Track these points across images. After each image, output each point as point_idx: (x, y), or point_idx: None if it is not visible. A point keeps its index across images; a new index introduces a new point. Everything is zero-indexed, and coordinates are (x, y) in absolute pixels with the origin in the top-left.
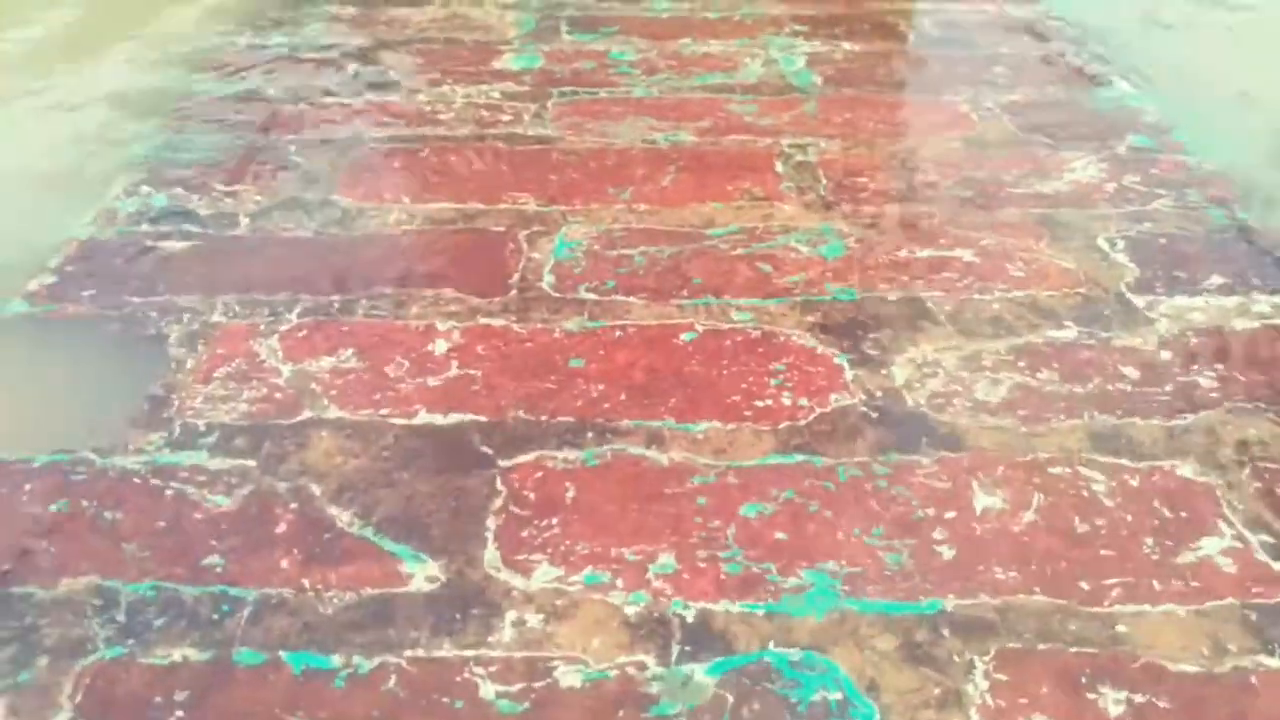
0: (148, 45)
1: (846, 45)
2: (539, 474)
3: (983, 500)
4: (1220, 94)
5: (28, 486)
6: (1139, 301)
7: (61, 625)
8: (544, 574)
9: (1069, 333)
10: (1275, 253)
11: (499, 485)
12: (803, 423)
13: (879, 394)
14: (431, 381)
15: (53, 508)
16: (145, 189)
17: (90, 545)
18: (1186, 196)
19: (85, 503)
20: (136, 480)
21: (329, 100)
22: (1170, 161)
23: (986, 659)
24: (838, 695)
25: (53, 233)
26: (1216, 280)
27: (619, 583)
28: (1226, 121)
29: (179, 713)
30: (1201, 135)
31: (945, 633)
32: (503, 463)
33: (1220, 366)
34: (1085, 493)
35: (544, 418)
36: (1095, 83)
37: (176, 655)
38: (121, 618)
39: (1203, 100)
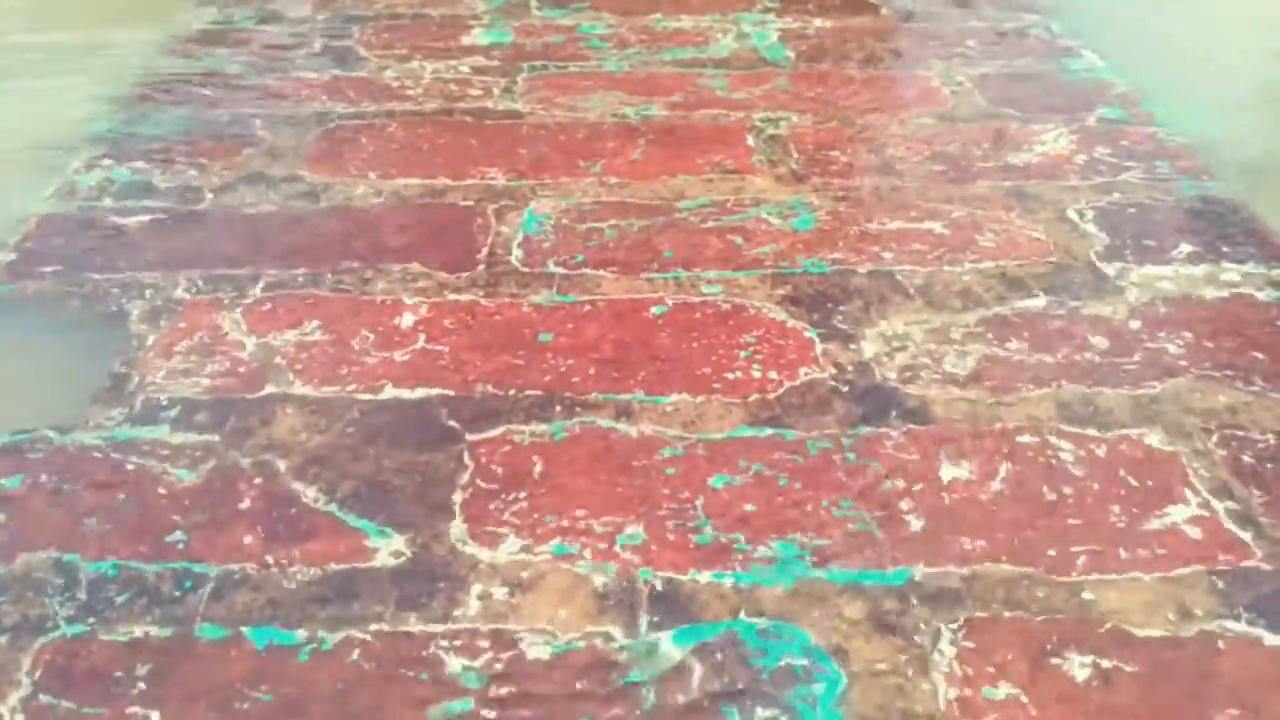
0: (110, 17)
1: (818, 21)
2: (506, 448)
3: (950, 471)
4: (1190, 64)
5: None
6: (1109, 270)
7: (21, 602)
8: (511, 546)
9: (1038, 302)
10: (1244, 223)
11: (466, 459)
12: (772, 395)
13: (849, 367)
14: (398, 356)
15: (9, 483)
16: (106, 162)
17: (49, 521)
18: (1156, 167)
19: (44, 478)
20: (97, 455)
21: (295, 75)
22: (1140, 133)
23: (954, 627)
24: (805, 662)
25: (11, 208)
26: (1186, 249)
27: (586, 554)
28: (1196, 92)
29: (140, 686)
30: (1171, 106)
31: (913, 601)
32: (470, 437)
33: (1189, 335)
34: (1053, 462)
35: (512, 392)
36: (1065, 55)
37: (138, 631)
38: (82, 594)
39: (1173, 70)
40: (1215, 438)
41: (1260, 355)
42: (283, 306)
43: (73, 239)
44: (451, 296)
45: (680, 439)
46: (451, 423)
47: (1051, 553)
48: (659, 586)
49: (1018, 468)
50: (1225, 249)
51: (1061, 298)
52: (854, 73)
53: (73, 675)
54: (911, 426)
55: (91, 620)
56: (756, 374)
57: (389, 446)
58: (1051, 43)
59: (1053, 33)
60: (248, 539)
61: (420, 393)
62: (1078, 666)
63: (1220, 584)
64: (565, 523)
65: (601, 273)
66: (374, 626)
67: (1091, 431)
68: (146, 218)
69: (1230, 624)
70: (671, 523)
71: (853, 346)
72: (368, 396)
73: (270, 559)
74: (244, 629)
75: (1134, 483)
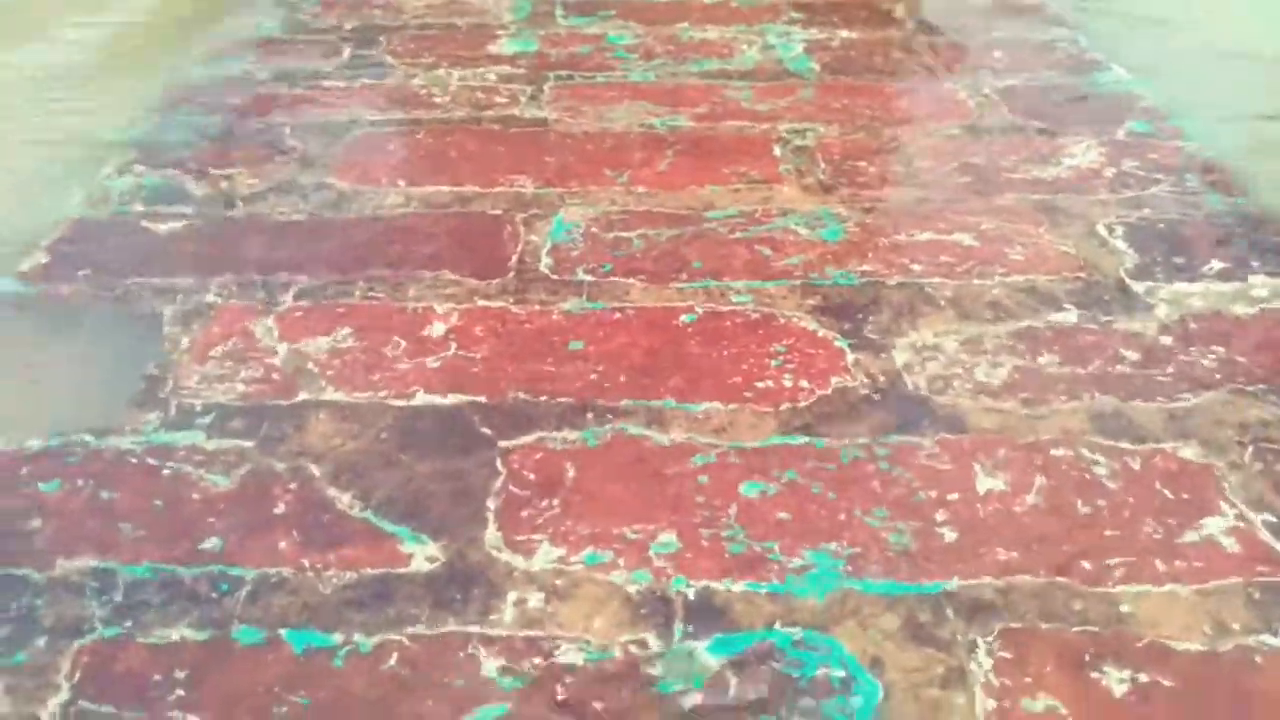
0: (142, 24)
1: (844, 33)
2: (539, 455)
3: (985, 482)
4: (1218, 77)
5: (23, 470)
6: (1138, 287)
7: (58, 606)
8: (545, 554)
9: (1069, 316)
10: (1275, 237)
11: (499, 466)
12: (804, 404)
13: (880, 377)
14: (430, 363)
15: (48, 487)
16: (139, 168)
17: (86, 526)
18: (1185, 181)
19: (81, 483)
20: (133, 461)
21: (324, 84)
22: (1169, 147)
23: (990, 638)
24: (841, 673)
25: (45, 212)
26: (1216, 265)
27: (620, 562)
28: (1225, 105)
29: (179, 691)
30: (1200, 120)
31: (949, 613)
32: (503, 444)
33: (1221, 350)
34: (1087, 475)
35: (544, 398)
36: (1094, 68)
37: (175, 635)
38: (119, 598)
39: (1201, 84)
40: (1250, 451)
41: None
42: (314, 313)
43: (105, 243)
44: (482, 303)
45: (712, 446)
46: (484, 429)
47: (1087, 565)
48: (692, 596)
49: (1052, 480)
50: (1255, 263)
51: (1092, 312)
52: (880, 84)
53: (110, 679)
54: (945, 435)
55: (129, 624)
56: (788, 383)
57: (422, 453)
58: (1080, 56)
59: (1080, 46)
60: (283, 544)
61: (452, 399)
62: (1115, 681)
63: (1256, 596)
64: (599, 530)
65: (631, 281)
66: (410, 630)
67: (1125, 444)
68: (179, 223)
69: (1267, 638)
70: (705, 531)
71: (884, 355)
72: (400, 403)
73: (306, 563)
74: (281, 632)
75: (1169, 495)
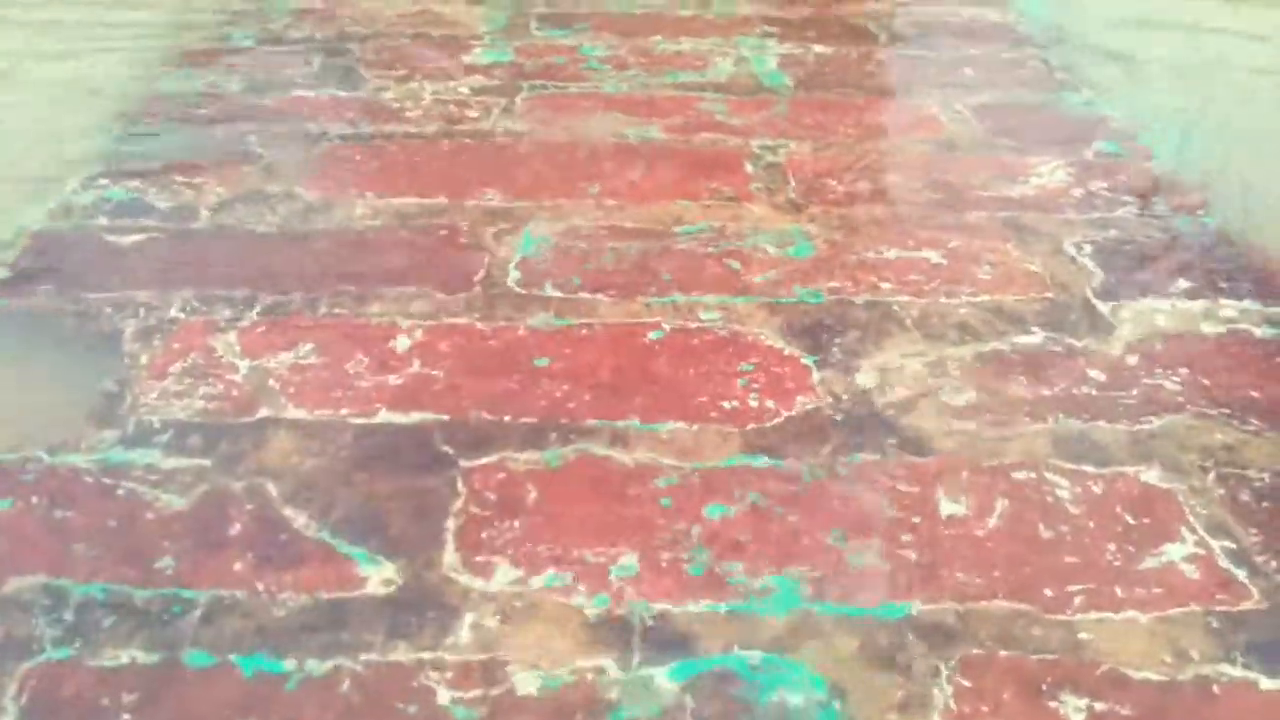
0: (106, 35)
1: (818, 48)
2: (501, 475)
3: (947, 505)
4: (1187, 99)
5: None
6: (1104, 307)
7: (7, 625)
8: (504, 575)
9: (1035, 338)
10: (1241, 259)
11: (460, 486)
12: (769, 424)
13: (845, 397)
14: (393, 380)
15: (0, 505)
16: (103, 181)
17: (39, 545)
18: (1153, 203)
19: (35, 500)
20: (88, 479)
21: (294, 95)
22: (1136, 168)
23: (950, 664)
24: (800, 698)
25: (5, 226)
26: (1183, 284)
27: (580, 585)
28: (1194, 127)
29: (126, 716)
30: (1168, 141)
31: (909, 637)
32: (464, 463)
33: (1185, 371)
34: (1049, 498)
35: (507, 417)
36: (1063, 87)
37: (124, 657)
38: (69, 618)
39: (1170, 106)
40: (1213, 475)
41: (1257, 394)
42: (277, 328)
43: (67, 257)
44: (447, 320)
45: (675, 468)
46: (445, 448)
47: (1048, 591)
48: (651, 620)
49: (1014, 504)
50: (1222, 285)
51: (1058, 333)
52: (852, 100)
53: (57, 701)
54: (909, 458)
55: (79, 644)
56: (754, 403)
57: (382, 472)
58: (1049, 75)
59: (1050, 66)
60: (237, 565)
61: (414, 417)
62: (1073, 709)
63: (1215, 624)
64: (559, 551)
65: (599, 296)
66: (364, 656)
67: (1088, 468)
68: (142, 236)
69: (1226, 668)
70: (665, 553)
71: (849, 376)
72: (361, 421)
73: (260, 585)
74: (232, 656)
75: (1130, 520)
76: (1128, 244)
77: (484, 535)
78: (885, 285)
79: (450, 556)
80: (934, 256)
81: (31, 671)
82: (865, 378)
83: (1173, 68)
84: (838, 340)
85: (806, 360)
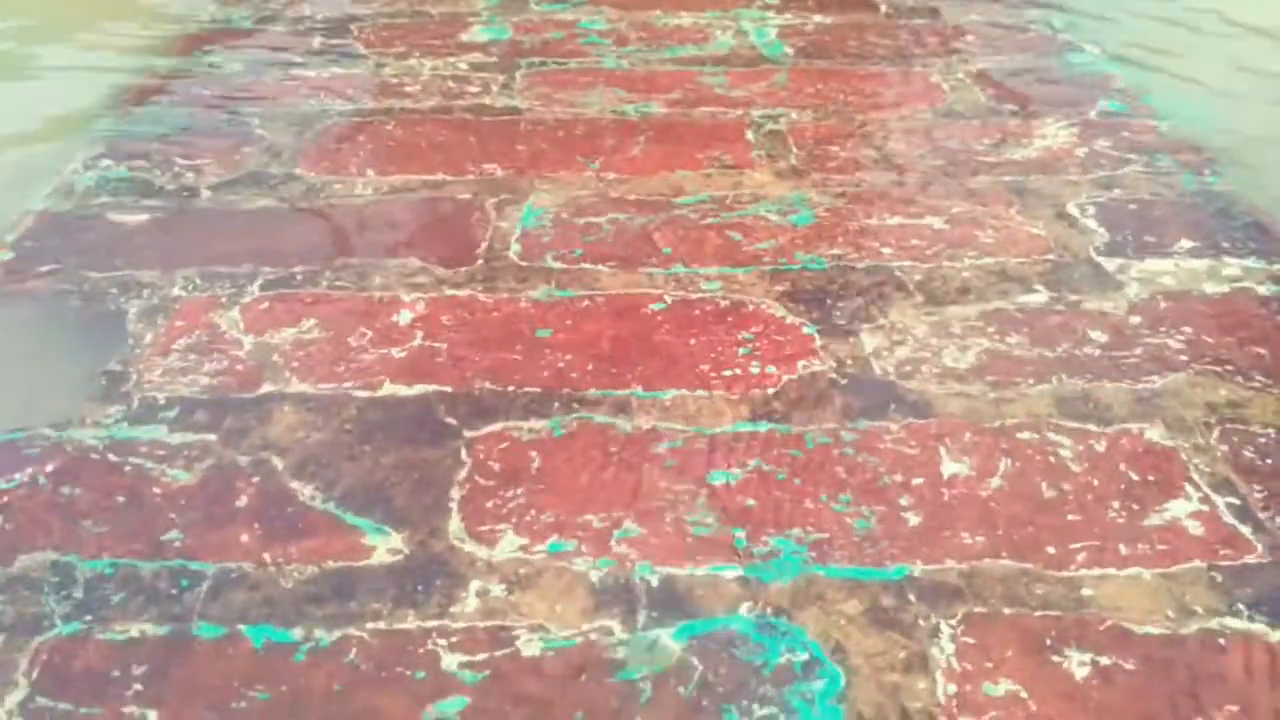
0: (108, 16)
1: (818, 18)
2: (504, 444)
3: (950, 466)
4: (1193, 58)
5: None
6: (1109, 265)
7: (17, 602)
8: (509, 543)
9: (1039, 297)
10: (1245, 217)
11: (464, 456)
12: (771, 391)
13: (848, 362)
14: (396, 353)
15: (8, 484)
16: (105, 162)
17: (46, 521)
18: (1157, 161)
19: (41, 478)
20: (94, 455)
21: (293, 73)
22: (1141, 126)
23: (953, 623)
24: (804, 658)
25: (9, 206)
26: (1187, 244)
27: (584, 549)
28: (1199, 85)
29: (137, 686)
30: (1173, 100)
31: (912, 597)
32: (468, 434)
33: (1189, 330)
34: (1052, 458)
35: (510, 388)
36: (1067, 49)
37: (134, 630)
38: (79, 593)
39: (1175, 64)
40: (1216, 433)
41: (1261, 350)
42: (280, 304)
43: (70, 237)
44: (449, 292)
45: (679, 433)
46: (449, 419)
47: (1051, 549)
48: (655, 583)
49: (1017, 463)
50: (1226, 244)
51: (1062, 293)
52: (853, 68)
53: (69, 675)
54: (911, 420)
55: (88, 619)
56: (755, 370)
57: (386, 444)
58: (1053, 38)
59: (1054, 28)
60: (244, 537)
61: (418, 389)
62: (1077, 664)
63: (1219, 579)
64: (563, 518)
65: (600, 268)
66: (371, 625)
67: (1091, 427)
68: (144, 216)
69: (1231, 620)
70: (669, 517)
71: (852, 341)
72: (365, 394)
73: (267, 557)
74: (241, 627)
75: (1134, 478)
76: (1131, 204)
77: (489, 504)
78: (887, 251)
79: (455, 525)
80: (936, 222)
81: (43, 646)
82: (868, 341)
83: (1180, 25)
84: (840, 306)
85: (809, 328)
